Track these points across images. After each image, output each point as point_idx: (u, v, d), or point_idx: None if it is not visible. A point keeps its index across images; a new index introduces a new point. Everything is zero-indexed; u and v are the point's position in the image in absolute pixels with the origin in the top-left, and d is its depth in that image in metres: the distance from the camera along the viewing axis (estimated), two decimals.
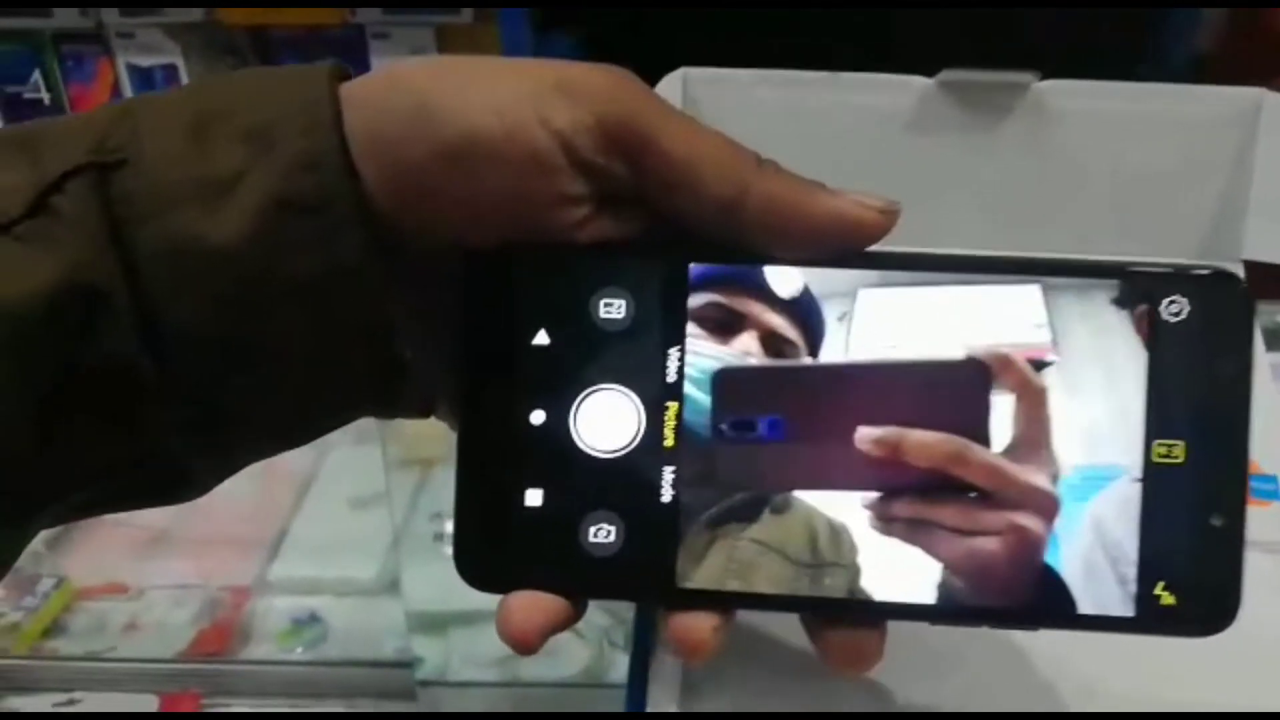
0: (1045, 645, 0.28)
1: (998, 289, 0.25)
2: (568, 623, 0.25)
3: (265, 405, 0.25)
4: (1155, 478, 0.23)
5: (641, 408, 0.25)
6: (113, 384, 0.23)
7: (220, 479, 0.26)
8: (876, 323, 0.25)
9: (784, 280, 0.25)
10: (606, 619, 0.81)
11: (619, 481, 0.25)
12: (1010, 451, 0.24)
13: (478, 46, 1.39)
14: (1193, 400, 0.23)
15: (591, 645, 0.80)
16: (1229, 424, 0.23)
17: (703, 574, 0.25)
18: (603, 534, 0.25)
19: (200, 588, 0.82)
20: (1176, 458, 0.23)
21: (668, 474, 0.25)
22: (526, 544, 0.25)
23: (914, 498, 0.24)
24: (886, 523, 0.25)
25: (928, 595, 0.24)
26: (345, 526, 0.85)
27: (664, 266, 0.24)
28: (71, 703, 0.75)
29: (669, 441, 0.25)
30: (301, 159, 0.22)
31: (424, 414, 0.27)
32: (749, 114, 0.39)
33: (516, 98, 0.22)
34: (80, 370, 0.22)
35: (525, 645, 0.24)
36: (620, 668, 0.79)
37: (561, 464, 0.25)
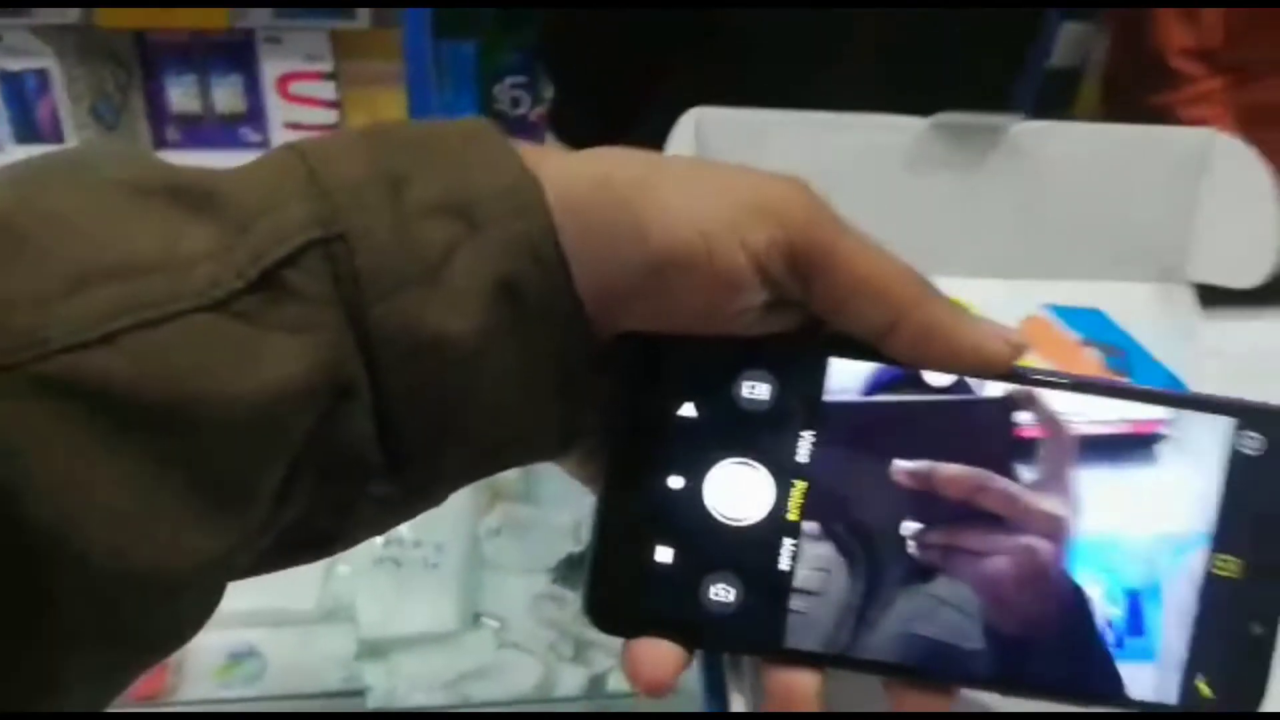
0: None
1: None
2: (684, 668, 0.26)
3: (459, 475, 0.24)
4: (1210, 586, 0.26)
5: (772, 482, 0.26)
6: (341, 467, 0.22)
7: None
8: None
9: (938, 378, 0.26)
10: (553, 633, 0.82)
11: (742, 547, 0.26)
12: (1034, 484, 0.26)
13: (377, 52, 1.37)
14: (1254, 525, 0.26)
15: (540, 661, 0.80)
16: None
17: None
18: (722, 593, 0.26)
19: None
20: (1232, 572, 0.26)
21: (787, 545, 0.26)
22: (654, 595, 0.26)
23: (946, 526, 0.26)
24: (924, 550, 0.27)
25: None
26: None
27: (806, 357, 0.26)
28: None
29: (792, 515, 0.26)
30: (520, 243, 0.22)
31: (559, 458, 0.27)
32: (757, 150, 0.40)
33: (719, 217, 0.23)
34: (314, 458, 0.21)
35: (658, 690, 0.25)
36: (569, 680, 0.79)
37: (692, 526, 0.26)
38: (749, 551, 0.26)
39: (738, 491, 0.26)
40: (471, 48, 1.44)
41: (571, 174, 0.23)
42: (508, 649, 0.82)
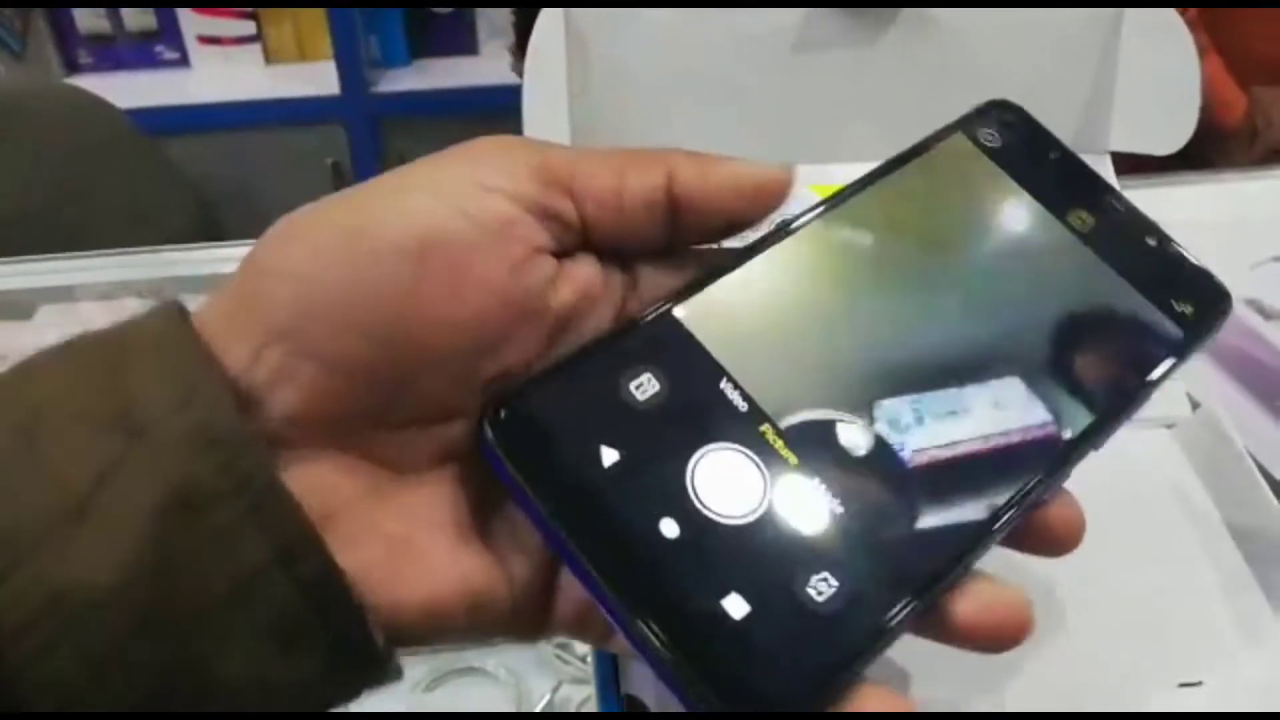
0: None
1: None
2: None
3: None
4: (1090, 239, 0.26)
5: (755, 458, 0.22)
6: None
7: None
8: None
9: None
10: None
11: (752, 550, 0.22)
12: None
13: None
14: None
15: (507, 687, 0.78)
16: None
17: None
18: (826, 585, 0.21)
19: None
20: (1087, 224, 0.27)
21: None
22: (805, 644, 0.20)
23: None
24: None
25: None
26: None
27: (659, 325, 0.23)
28: None
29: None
30: (192, 439, 0.18)
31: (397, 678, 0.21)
32: (637, 45, 0.38)
33: (446, 180, 0.21)
34: None
35: None
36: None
37: (713, 551, 0.21)
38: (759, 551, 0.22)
39: (731, 486, 0.21)
40: None
41: (276, 246, 0.20)
42: None
